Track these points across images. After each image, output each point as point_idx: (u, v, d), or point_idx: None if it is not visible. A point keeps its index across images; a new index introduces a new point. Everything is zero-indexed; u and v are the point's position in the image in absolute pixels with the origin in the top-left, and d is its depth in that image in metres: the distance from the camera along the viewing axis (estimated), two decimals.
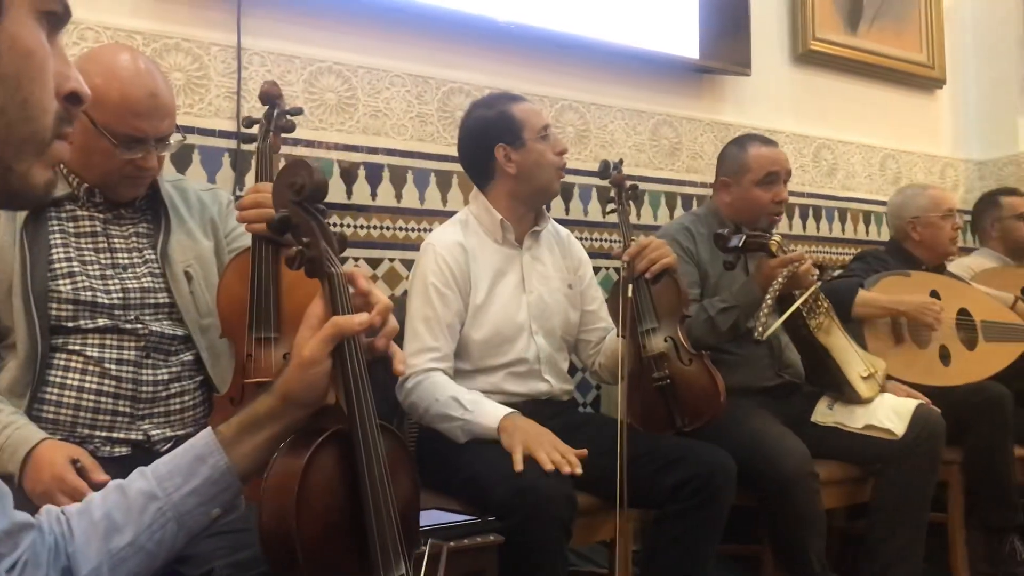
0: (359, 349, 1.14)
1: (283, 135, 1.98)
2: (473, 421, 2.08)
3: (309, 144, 2.64)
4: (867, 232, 4.13)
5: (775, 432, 2.43)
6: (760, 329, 2.35)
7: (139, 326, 1.76)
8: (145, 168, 1.77)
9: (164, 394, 1.78)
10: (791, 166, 2.90)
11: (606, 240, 3.25)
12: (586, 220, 3.23)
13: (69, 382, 1.70)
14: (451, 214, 2.51)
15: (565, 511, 1.91)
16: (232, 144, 2.54)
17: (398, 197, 2.82)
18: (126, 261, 1.81)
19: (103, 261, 1.79)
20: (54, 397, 1.69)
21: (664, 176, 3.47)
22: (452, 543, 1.80)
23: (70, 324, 1.71)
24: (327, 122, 2.71)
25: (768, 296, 2.38)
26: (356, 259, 2.72)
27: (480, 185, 2.40)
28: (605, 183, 2.52)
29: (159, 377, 1.77)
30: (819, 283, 2.55)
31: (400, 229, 2.81)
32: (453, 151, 2.70)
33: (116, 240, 1.82)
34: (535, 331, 2.34)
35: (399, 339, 1.81)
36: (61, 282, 1.71)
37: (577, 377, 2.92)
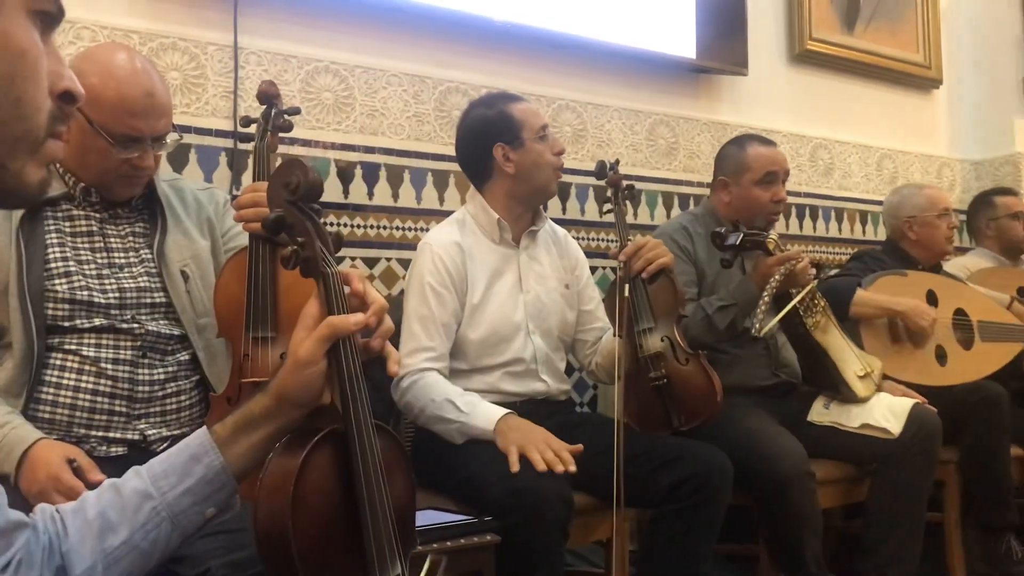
0: (355, 349, 1.14)
1: (280, 135, 1.98)
2: (469, 423, 2.08)
3: (306, 143, 2.64)
4: (863, 232, 4.13)
5: (772, 432, 2.43)
6: (758, 326, 2.35)
7: (135, 326, 1.76)
8: (141, 167, 1.77)
9: (160, 394, 1.77)
10: (788, 166, 2.90)
11: (603, 240, 3.25)
12: (583, 220, 3.23)
13: (65, 382, 1.69)
14: (448, 214, 2.51)
15: (562, 511, 1.91)
16: (229, 143, 2.54)
17: (395, 196, 2.82)
18: (122, 260, 1.81)
19: (99, 260, 1.78)
20: (50, 397, 1.69)
21: (661, 176, 3.47)
22: (449, 543, 1.81)
23: (66, 324, 1.71)
24: (324, 121, 2.70)
25: (765, 293, 2.38)
26: (353, 259, 2.71)
27: (478, 184, 2.40)
28: (602, 183, 2.52)
29: (155, 377, 1.77)
30: (816, 281, 2.55)
31: (397, 228, 2.81)
32: (450, 151, 2.70)
33: (112, 239, 1.82)
34: (532, 331, 2.34)
35: (395, 338, 1.80)
36: (57, 281, 1.71)
37: (574, 377, 2.92)
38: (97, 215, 1.81)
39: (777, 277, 2.40)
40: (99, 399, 1.70)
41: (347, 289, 1.17)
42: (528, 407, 2.24)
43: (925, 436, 2.52)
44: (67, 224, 1.78)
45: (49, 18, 0.82)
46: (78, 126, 1.71)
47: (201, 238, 1.93)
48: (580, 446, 1.98)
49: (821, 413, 2.63)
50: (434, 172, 2.89)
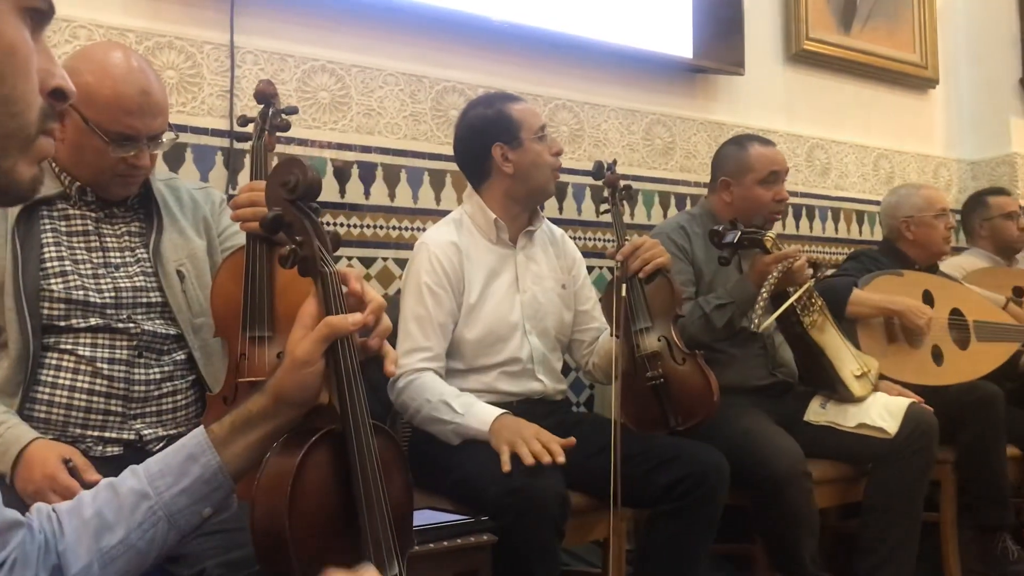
0: (353, 349, 1.14)
1: (278, 134, 1.98)
2: (464, 424, 2.08)
3: (302, 143, 2.64)
4: (860, 232, 4.14)
5: (768, 431, 2.44)
6: (756, 321, 2.35)
7: (131, 325, 1.75)
8: (137, 166, 1.76)
9: (156, 393, 1.77)
10: (788, 165, 2.91)
11: (600, 239, 3.25)
12: (579, 219, 3.23)
13: (61, 381, 1.69)
14: (445, 213, 2.51)
15: (558, 511, 1.91)
16: (225, 143, 2.53)
17: (391, 196, 2.81)
18: (118, 260, 1.81)
19: (95, 260, 1.78)
20: (46, 396, 1.68)
21: (658, 176, 3.47)
22: (446, 543, 1.81)
23: (62, 323, 1.70)
24: (320, 121, 2.70)
25: (763, 290, 2.38)
26: (350, 258, 2.71)
27: (475, 184, 2.40)
28: (599, 183, 2.52)
29: (151, 376, 1.76)
30: (813, 280, 2.55)
31: (394, 228, 2.81)
32: (447, 150, 2.70)
33: (108, 239, 1.82)
34: (529, 331, 2.34)
35: (392, 338, 1.80)
36: (53, 281, 1.70)
37: (571, 377, 2.92)
38: (93, 214, 1.81)
39: (774, 275, 2.40)
40: (95, 399, 1.70)
41: (344, 288, 1.16)
42: (525, 407, 2.24)
43: (921, 436, 2.52)
44: (63, 223, 1.78)
45: (40, 16, 0.82)
46: (74, 125, 1.71)
47: (197, 237, 1.93)
48: (572, 439, 1.97)
49: (818, 413, 2.63)
50: (431, 172, 2.89)
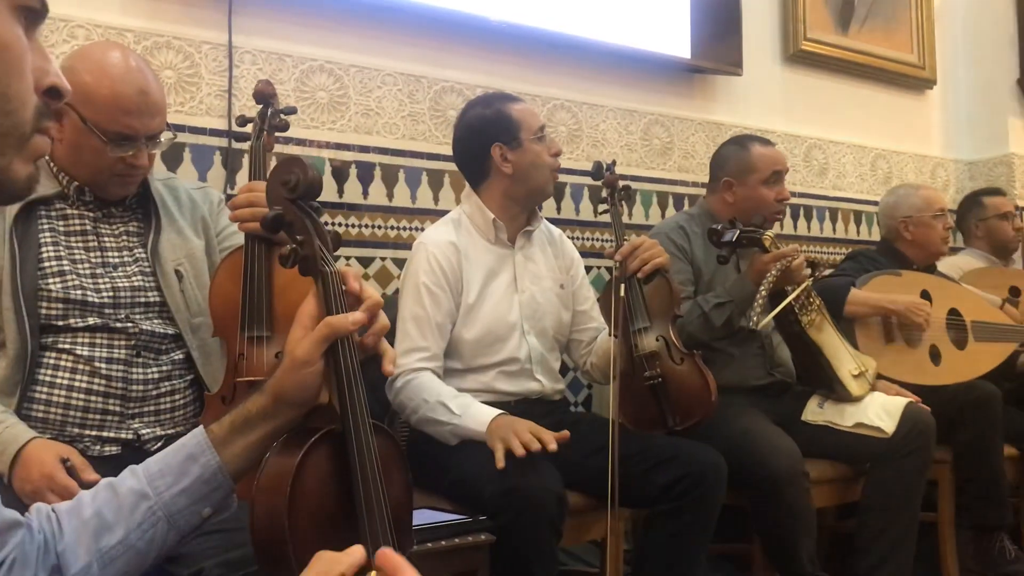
0: (353, 349, 1.13)
1: (276, 134, 1.98)
2: (461, 425, 2.08)
3: (300, 143, 2.64)
4: (858, 232, 4.14)
5: (766, 431, 2.44)
6: (755, 319, 2.35)
7: (129, 325, 1.75)
8: (135, 166, 1.76)
9: (154, 393, 1.77)
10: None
11: (598, 239, 3.25)
12: (578, 219, 3.23)
13: (59, 381, 1.69)
14: (443, 213, 2.51)
15: (555, 510, 1.91)
16: (223, 142, 2.53)
17: (390, 196, 2.81)
18: (116, 260, 1.81)
19: (93, 260, 1.78)
20: (44, 396, 1.68)
21: (656, 176, 3.47)
22: (444, 543, 1.81)
23: (60, 323, 1.70)
24: (318, 121, 2.70)
25: (762, 288, 2.39)
26: (348, 258, 2.71)
27: (474, 184, 2.40)
28: (598, 183, 2.52)
29: (149, 376, 1.76)
30: (811, 279, 2.56)
31: (392, 228, 2.81)
32: (445, 150, 2.70)
33: (106, 239, 1.82)
34: (527, 331, 2.34)
35: (390, 337, 1.80)
36: (51, 281, 1.70)
37: (568, 377, 2.92)
38: (91, 214, 1.81)
39: (773, 273, 2.40)
40: (93, 398, 1.70)
41: (343, 287, 1.16)
42: (523, 407, 2.24)
43: (919, 435, 2.52)
44: (61, 223, 1.78)
45: (34, 14, 0.82)
46: (72, 124, 1.71)
47: (195, 237, 1.93)
48: (566, 432, 1.97)
49: (815, 412, 2.63)
50: (429, 171, 2.89)
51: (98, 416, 1.70)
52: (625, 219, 2.50)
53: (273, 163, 1.97)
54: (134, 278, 1.80)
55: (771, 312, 2.46)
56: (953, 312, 3.09)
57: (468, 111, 2.41)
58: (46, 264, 1.71)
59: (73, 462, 1.57)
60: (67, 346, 1.70)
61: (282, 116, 1.97)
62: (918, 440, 2.52)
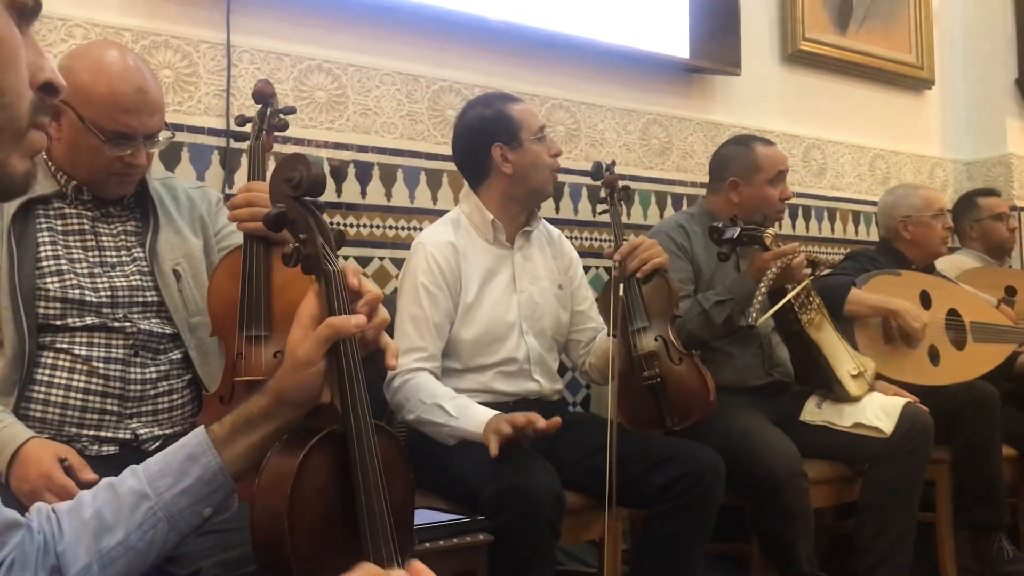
0: (355, 349, 1.12)
1: (275, 134, 1.98)
2: (458, 427, 2.08)
3: (299, 142, 2.63)
4: (856, 232, 4.14)
5: (764, 431, 2.44)
6: (754, 315, 2.35)
7: (127, 324, 1.75)
8: (134, 165, 1.76)
9: (152, 392, 1.77)
10: None
11: (596, 239, 3.25)
12: (576, 219, 3.23)
13: (57, 380, 1.69)
14: (441, 213, 2.51)
15: (553, 510, 1.91)
16: (221, 142, 2.53)
17: (388, 196, 2.81)
18: (114, 259, 1.80)
19: (91, 259, 1.78)
20: (42, 395, 1.68)
21: (654, 175, 3.47)
22: (442, 543, 1.81)
23: (58, 322, 1.70)
24: (317, 120, 2.70)
25: (762, 285, 2.39)
26: (346, 257, 2.70)
27: (473, 184, 2.40)
28: (597, 184, 2.52)
29: (147, 375, 1.76)
30: (812, 278, 2.56)
31: (390, 228, 2.80)
32: (443, 150, 2.70)
33: (104, 238, 1.81)
34: (526, 331, 2.34)
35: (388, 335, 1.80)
36: (49, 280, 1.70)
37: (567, 377, 2.92)
38: (89, 213, 1.81)
39: (773, 270, 2.40)
40: (91, 398, 1.70)
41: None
42: (521, 407, 2.24)
43: (917, 435, 2.52)
44: (59, 222, 1.77)
45: (26, 11, 0.82)
46: (70, 123, 1.70)
47: (193, 237, 1.93)
48: (557, 419, 1.96)
49: (813, 412, 2.63)
50: (427, 171, 2.88)
51: (96, 416, 1.70)
52: (624, 219, 2.50)
53: (272, 163, 1.97)
54: (132, 277, 1.80)
55: (770, 310, 2.46)
56: (952, 313, 3.09)
57: (468, 111, 2.41)
58: (44, 263, 1.71)
59: (71, 462, 1.56)
60: (65, 345, 1.70)
61: (281, 116, 1.97)
62: (916, 440, 2.52)
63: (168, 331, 1.81)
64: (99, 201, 1.82)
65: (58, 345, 1.70)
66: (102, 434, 1.70)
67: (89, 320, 1.72)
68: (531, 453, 2.04)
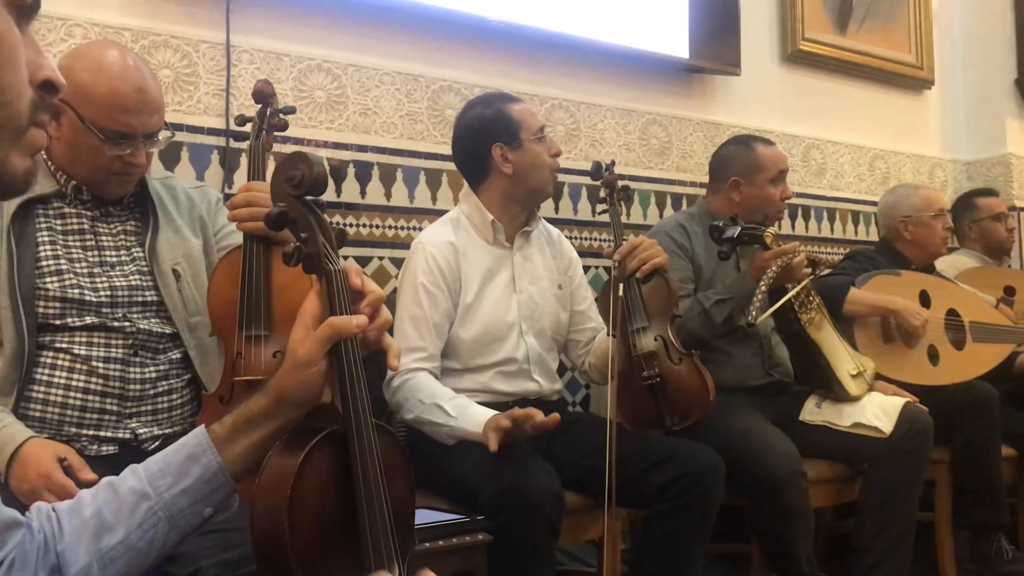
0: (356, 349, 1.12)
1: (275, 134, 1.98)
2: (457, 427, 2.08)
3: (298, 142, 2.63)
4: (855, 232, 4.14)
5: (764, 431, 2.44)
6: (754, 313, 2.35)
7: (127, 324, 1.75)
8: (133, 164, 1.76)
9: (152, 392, 1.77)
10: None
11: (596, 239, 3.25)
12: (575, 219, 3.22)
13: (56, 380, 1.69)
14: (440, 213, 2.51)
15: (553, 510, 1.91)
16: (221, 142, 2.53)
17: (387, 195, 2.81)
18: (114, 259, 1.80)
19: (91, 259, 1.78)
20: (41, 395, 1.68)
21: (654, 175, 3.47)
22: (441, 542, 1.81)
23: (57, 322, 1.70)
24: (316, 120, 2.70)
25: (762, 283, 2.39)
26: (345, 257, 2.67)
27: (473, 184, 2.40)
28: (597, 184, 2.52)
29: (147, 375, 1.76)
30: (812, 277, 2.56)
31: (389, 227, 2.80)
32: (443, 149, 2.69)
33: (104, 238, 1.81)
34: (525, 331, 2.34)
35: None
36: (48, 280, 1.70)
37: (566, 377, 2.92)
38: (89, 213, 1.81)
39: (774, 269, 2.40)
40: (90, 397, 1.70)
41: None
42: (520, 407, 2.24)
43: (916, 435, 2.52)
44: (58, 222, 1.77)
45: (25, 8, 0.82)
46: (69, 123, 1.70)
47: (193, 236, 1.93)
48: (556, 415, 1.97)
49: (813, 412, 2.64)
50: (427, 171, 2.88)
51: (95, 415, 1.70)
52: (623, 219, 2.50)
53: (272, 163, 1.97)
54: (131, 277, 1.80)
55: (770, 308, 2.46)
56: (951, 312, 3.09)
57: (468, 111, 2.41)
58: (43, 263, 1.71)
59: (70, 461, 1.56)
60: (64, 345, 1.70)
61: (281, 116, 1.97)
62: (916, 440, 2.52)
63: (167, 331, 1.81)
64: (99, 201, 1.82)
65: (57, 345, 1.70)
66: (101, 434, 1.70)
67: (88, 320, 1.72)
68: (530, 453, 2.05)
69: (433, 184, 2.89)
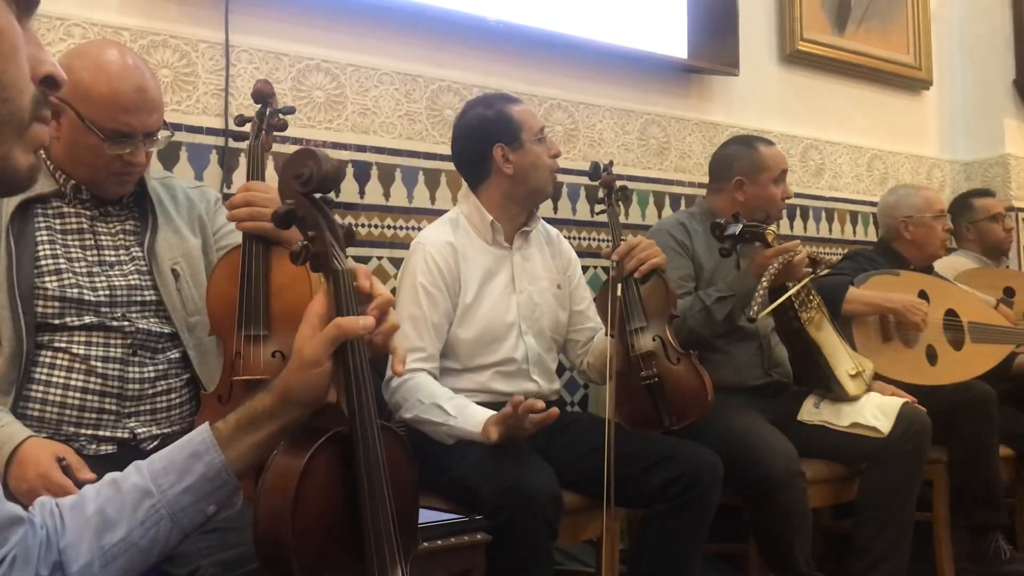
0: (362, 350, 1.11)
1: (274, 134, 1.98)
2: (457, 427, 2.08)
3: (297, 142, 2.62)
4: (854, 232, 4.14)
5: (762, 431, 2.44)
6: (756, 308, 2.35)
7: (126, 323, 1.75)
8: (133, 164, 1.76)
9: (151, 392, 1.77)
10: None
11: (595, 239, 3.25)
12: (574, 219, 3.22)
13: (55, 380, 1.69)
14: (439, 213, 2.51)
15: (551, 510, 1.91)
16: (220, 141, 2.52)
17: (386, 195, 2.81)
18: (113, 258, 1.80)
19: (90, 258, 1.78)
20: (40, 395, 1.68)
21: (652, 176, 3.47)
22: (440, 542, 1.81)
23: (56, 321, 1.70)
24: (315, 120, 2.70)
25: (764, 279, 2.39)
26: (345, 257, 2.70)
27: (473, 185, 2.40)
28: (595, 184, 2.52)
29: (145, 375, 1.76)
30: (812, 275, 2.56)
31: (388, 227, 2.80)
32: (442, 149, 2.69)
33: (103, 237, 1.81)
34: (525, 331, 2.34)
35: None
36: (47, 279, 1.70)
37: (565, 377, 2.92)
38: (88, 213, 1.81)
39: (775, 266, 2.41)
40: (89, 397, 1.70)
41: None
42: None
43: (914, 435, 2.53)
44: (57, 222, 1.77)
45: (25, 3, 0.82)
46: (69, 122, 1.71)
47: (192, 236, 1.93)
48: (555, 410, 1.96)
49: (811, 412, 2.64)
50: (425, 171, 2.88)
51: (94, 415, 1.70)
52: (622, 219, 2.50)
53: (271, 163, 1.97)
54: (130, 277, 1.80)
55: (771, 304, 2.46)
56: (950, 313, 3.09)
57: (468, 111, 2.41)
58: (42, 262, 1.71)
59: (69, 461, 1.56)
60: (63, 345, 1.70)
61: (280, 116, 1.97)
62: (914, 440, 2.52)
63: (166, 330, 1.81)
64: (98, 200, 1.82)
65: (56, 344, 1.70)
66: (100, 433, 1.70)
67: (87, 319, 1.72)
68: (529, 452, 2.05)
69: (432, 184, 2.89)
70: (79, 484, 1.49)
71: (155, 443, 1.74)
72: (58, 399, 1.68)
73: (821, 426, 2.60)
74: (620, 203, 2.49)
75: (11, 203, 1.71)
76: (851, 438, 2.54)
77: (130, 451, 1.69)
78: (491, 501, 1.89)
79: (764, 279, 2.39)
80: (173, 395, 1.81)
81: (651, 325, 2.30)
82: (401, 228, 2.82)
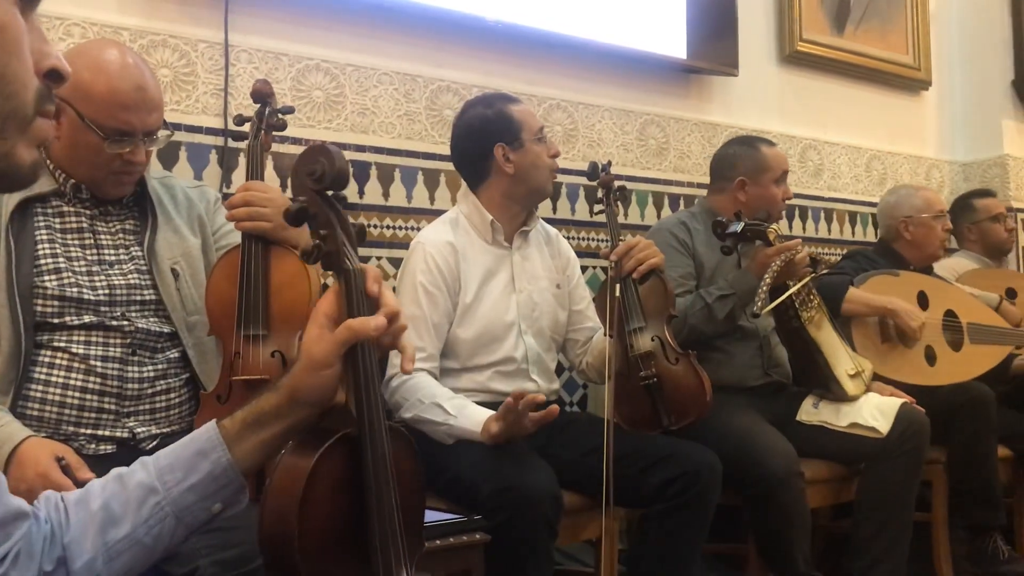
0: (371, 352, 1.10)
1: (274, 133, 1.98)
2: (456, 426, 2.08)
3: (296, 142, 2.63)
4: (853, 233, 4.14)
5: (762, 431, 2.44)
6: (759, 304, 2.35)
7: (125, 323, 1.75)
8: (133, 162, 1.76)
9: (150, 391, 1.77)
10: None
11: (594, 239, 3.25)
12: (573, 219, 3.22)
13: (54, 379, 1.69)
14: (439, 213, 2.51)
15: (550, 510, 1.91)
16: (219, 141, 2.52)
17: (385, 195, 2.81)
18: (112, 258, 1.80)
19: (89, 257, 1.78)
20: (39, 394, 1.68)
21: (651, 176, 3.47)
22: (439, 542, 1.81)
23: (55, 320, 1.70)
24: (314, 120, 2.70)
25: (767, 276, 2.39)
26: None
27: (473, 184, 2.40)
28: (594, 184, 2.53)
29: (145, 374, 1.76)
30: (813, 275, 2.56)
31: (387, 227, 2.80)
32: (441, 149, 2.69)
33: (103, 236, 1.81)
34: (524, 331, 2.35)
35: None
36: (47, 278, 1.70)
37: (564, 376, 2.92)
38: (87, 212, 1.81)
39: (776, 265, 2.41)
40: (88, 396, 1.70)
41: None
42: None
43: (913, 435, 2.53)
44: (57, 221, 1.77)
45: None
46: (69, 121, 1.70)
47: (192, 236, 1.93)
48: (555, 407, 1.97)
49: (810, 412, 2.64)
50: (425, 171, 2.88)
51: (93, 414, 1.70)
52: (621, 219, 2.51)
53: (271, 163, 1.97)
54: (130, 276, 1.80)
55: (774, 301, 2.46)
56: (949, 314, 3.10)
57: (468, 111, 2.41)
58: (42, 261, 1.71)
59: (68, 461, 1.56)
60: (62, 344, 1.70)
61: (280, 116, 1.97)
62: (912, 440, 2.53)
63: (166, 330, 1.81)
64: (98, 199, 1.82)
65: (55, 343, 1.70)
66: (99, 433, 1.70)
67: (87, 318, 1.72)
68: (528, 452, 2.05)
69: (431, 184, 2.89)
70: (78, 484, 1.49)
71: (154, 443, 1.74)
72: (57, 398, 1.68)
73: (820, 426, 2.60)
74: (619, 203, 2.49)
75: (11, 202, 1.71)
76: (850, 438, 2.55)
77: (129, 451, 1.69)
78: (490, 501, 1.89)
79: (766, 277, 2.39)
80: (172, 395, 1.81)
81: (650, 325, 2.31)
82: (400, 228, 2.82)
